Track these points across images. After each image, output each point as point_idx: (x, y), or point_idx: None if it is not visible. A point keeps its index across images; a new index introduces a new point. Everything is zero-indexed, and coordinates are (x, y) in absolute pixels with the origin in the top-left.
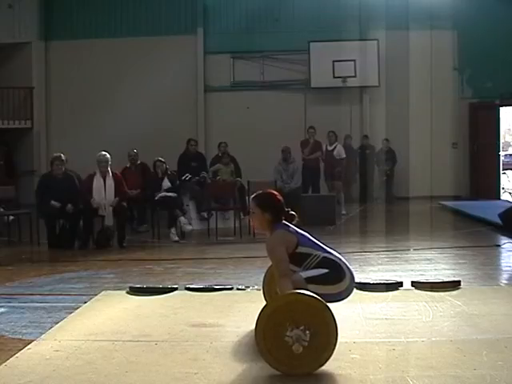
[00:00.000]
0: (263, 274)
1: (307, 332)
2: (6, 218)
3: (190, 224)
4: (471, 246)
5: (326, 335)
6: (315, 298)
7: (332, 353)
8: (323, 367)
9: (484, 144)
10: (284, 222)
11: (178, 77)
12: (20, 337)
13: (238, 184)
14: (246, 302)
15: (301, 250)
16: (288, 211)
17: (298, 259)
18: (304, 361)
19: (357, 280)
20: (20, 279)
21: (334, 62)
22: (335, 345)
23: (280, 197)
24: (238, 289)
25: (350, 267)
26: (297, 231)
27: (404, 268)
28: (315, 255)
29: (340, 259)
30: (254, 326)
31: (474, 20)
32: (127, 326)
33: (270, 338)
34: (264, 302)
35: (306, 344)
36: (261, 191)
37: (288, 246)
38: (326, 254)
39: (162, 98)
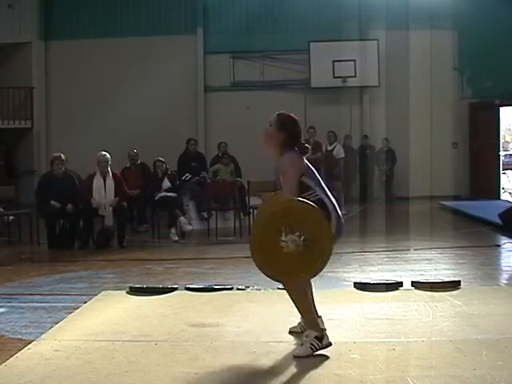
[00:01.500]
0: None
1: (302, 238)
2: (5, 217)
3: (190, 224)
4: (471, 246)
5: (320, 242)
6: (312, 205)
7: (326, 260)
8: (323, 367)
9: (484, 144)
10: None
11: (178, 77)
12: (20, 337)
13: (238, 184)
14: (246, 302)
15: (305, 180)
16: (303, 143)
17: (299, 188)
18: (299, 267)
19: (357, 280)
20: (20, 279)
21: (333, 61)
22: (330, 252)
23: (300, 127)
24: (237, 289)
25: (342, 220)
26: (306, 162)
27: (404, 268)
28: (314, 192)
29: (334, 207)
30: (254, 326)
31: (474, 20)
32: (127, 326)
33: (264, 244)
34: (263, 304)
35: (301, 249)
36: (285, 112)
37: (298, 171)
38: (323, 197)
39: (161, 97)
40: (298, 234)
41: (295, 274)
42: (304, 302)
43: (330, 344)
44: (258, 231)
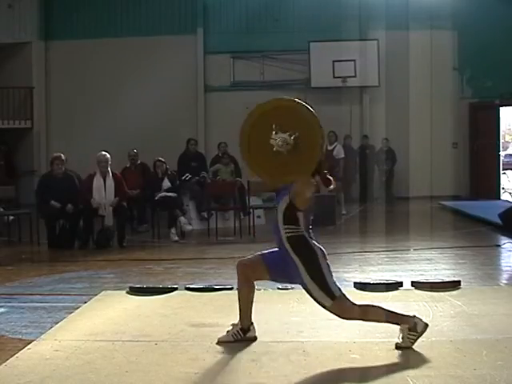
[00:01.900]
0: None
1: (292, 137)
2: (5, 217)
3: (190, 224)
4: (471, 246)
5: (310, 142)
6: (306, 106)
7: (315, 162)
8: (323, 367)
9: (484, 144)
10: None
11: (178, 77)
12: (20, 337)
13: (238, 184)
14: None
15: (300, 215)
16: (326, 173)
17: (291, 218)
18: (289, 167)
19: (357, 280)
20: (20, 279)
21: (333, 61)
22: (319, 156)
23: (323, 158)
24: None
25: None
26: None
27: (404, 268)
28: (300, 229)
29: (315, 244)
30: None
31: (474, 20)
32: (127, 326)
33: (255, 142)
34: (263, 304)
35: (290, 148)
36: None
37: (308, 199)
38: (305, 234)
39: (161, 97)
40: (288, 133)
41: (286, 174)
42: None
43: (255, 338)
44: (248, 129)
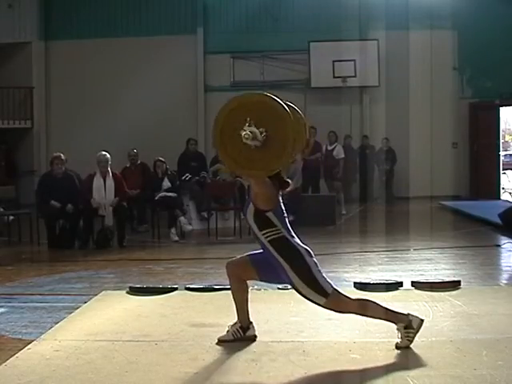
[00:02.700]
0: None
1: (264, 134)
2: (5, 217)
3: (190, 224)
4: (471, 246)
5: (281, 141)
6: (280, 103)
7: (284, 162)
8: (323, 367)
9: (484, 144)
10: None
11: (178, 77)
12: (20, 337)
13: (238, 184)
14: None
15: (271, 215)
16: (283, 177)
17: (264, 221)
18: (257, 162)
19: (357, 280)
20: (20, 279)
21: (333, 61)
22: (289, 154)
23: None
24: None
25: (306, 247)
26: (280, 199)
27: (404, 268)
28: (279, 230)
29: (299, 243)
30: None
31: (474, 20)
32: (127, 326)
33: (228, 132)
34: (263, 304)
35: (258, 144)
36: None
37: (269, 198)
38: (287, 236)
39: (161, 97)
40: (261, 129)
41: (253, 169)
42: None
43: (255, 337)
44: (222, 119)
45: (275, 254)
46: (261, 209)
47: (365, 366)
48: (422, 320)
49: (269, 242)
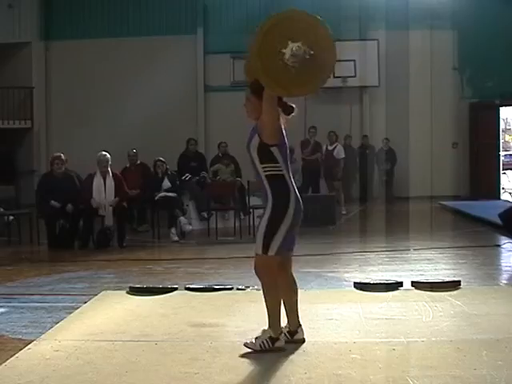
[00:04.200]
0: None
1: (307, 49)
2: (5, 217)
3: (190, 224)
4: (471, 246)
5: (322, 64)
6: (318, 19)
7: (325, 79)
8: (323, 367)
9: (484, 144)
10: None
11: (178, 77)
12: (20, 337)
13: (238, 184)
14: (246, 302)
15: (275, 151)
16: (286, 102)
17: (267, 155)
18: (301, 79)
19: (357, 280)
20: (20, 279)
21: None
22: (333, 67)
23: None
24: (237, 289)
25: (301, 205)
26: (284, 129)
27: (404, 268)
28: (279, 167)
29: (294, 190)
30: (254, 326)
31: (474, 20)
32: (127, 326)
33: (266, 54)
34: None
35: (302, 62)
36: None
37: (276, 130)
38: (286, 176)
39: (161, 97)
40: (305, 48)
41: (290, 88)
42: (275, 299)
43: (283, 349)
44: (260, 43)
45: (268, 187)
46: (266, 142)
47: (365, 365)
48: (284, 349)
49: (266, 176)
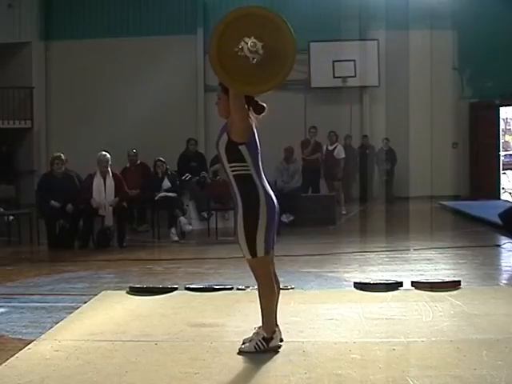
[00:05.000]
0: None
1: (261, 43)
2: (5, 217)
3: (190, 224)
4: (471, 246)
5: (282, 56)
6: (279, 15)
7: (286, 75)
8: (323, 367)
9: (484, 144)
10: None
11: (178, 77)
12: (20, 337)
13: None
14: (246, 302)
15: (243, 149)
16: (257, 101)
17: (235, 154)
18: (261, 76)
19: (357, 280)
20: (20, 279)
21: (333, 62)
22: (289, 70)
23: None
24: (238, 289)
25: (276, 206)
26: (254, 128)
27: (404, 268)
28: (247, 167)
29: (265, 190)
30: (254, 326)
31: (474, 20)
32: (127, 326)
33: (224, 56)
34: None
35: (259, 58)
36: None
37: (244, 129)
38: (254, 176)
39: (161, 97)
40: (262, 43)
41: (250, 85)
42: (270, 298)
43: (279, 347)
44: (219, 33)
45: (236, 190)
46: (234, 140)
47: (365, 366)
48: (279, 347)
49: (234, 176)
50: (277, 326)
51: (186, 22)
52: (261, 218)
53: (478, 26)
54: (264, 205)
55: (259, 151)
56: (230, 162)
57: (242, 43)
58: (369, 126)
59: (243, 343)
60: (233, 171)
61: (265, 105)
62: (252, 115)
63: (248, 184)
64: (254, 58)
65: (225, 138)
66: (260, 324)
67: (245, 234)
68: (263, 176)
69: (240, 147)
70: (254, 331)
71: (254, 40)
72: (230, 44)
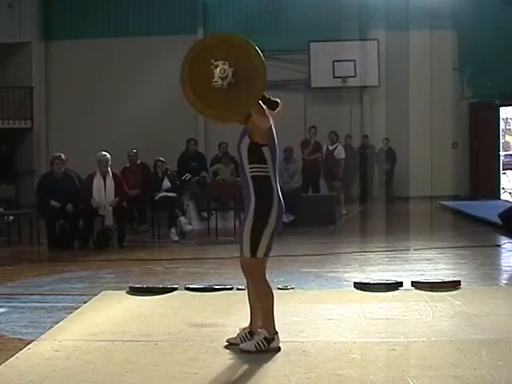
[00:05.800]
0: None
1: (231, 69)
2: (5, 217)
3: (190, 224)
4: (471, 246)
5: (252, 76)
6: (243, 38)
7: (253, 103)
8: (323, 367)
9: (484, 144)
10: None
11: (178, 77)
12: (20, 337)
13: (238, 184)
14: (246, 302)
15: (265, 151)
16: (270, 98)
17: (257, 156)
18: (227, 103)
19: (357, 280)
20: (20, 279)
21: (333, 62)
22: (261, 88)
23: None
24: (237, 289)
25: (283, 209)
26: (273, 128)
27: (404, 268)
28: (267, 168)
29: (278, 194)
30: (240, 326)
31: (474, 20)
32: (127, 326)
33: (195, 77)
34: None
35: (231, 81)
36: None
37: (263, 131)
38: (272, 178)
39: (161, 97)
40: (233, 69)
41: (227, 110)
42: (268, 298)
43: (279, 349)
44: (189, 63)
45: (252, 190)
46: (257, 142)
47: (365, 365)
48: (279, 349)
49: (252, 177)
50: (276, 332)
51: (186, 22)
52: (270, 221)
53: (478, 26)
54: (276, 208)
55: (277, 155)
56: (250, 163)
57: (216, 69)
58: (369, 125)
59: (228, 342)
60: (252, 172)
61: (278, 100)
62: (269, 113)
63: (265, 186)
64: (226, 84)
65: (247, 140)
66: (248, 324)
67: (251, 233)
68: (278, 180)
69: (263, 148)
70: (239, 331)
71: (224, 67)
72: (201, 70)
